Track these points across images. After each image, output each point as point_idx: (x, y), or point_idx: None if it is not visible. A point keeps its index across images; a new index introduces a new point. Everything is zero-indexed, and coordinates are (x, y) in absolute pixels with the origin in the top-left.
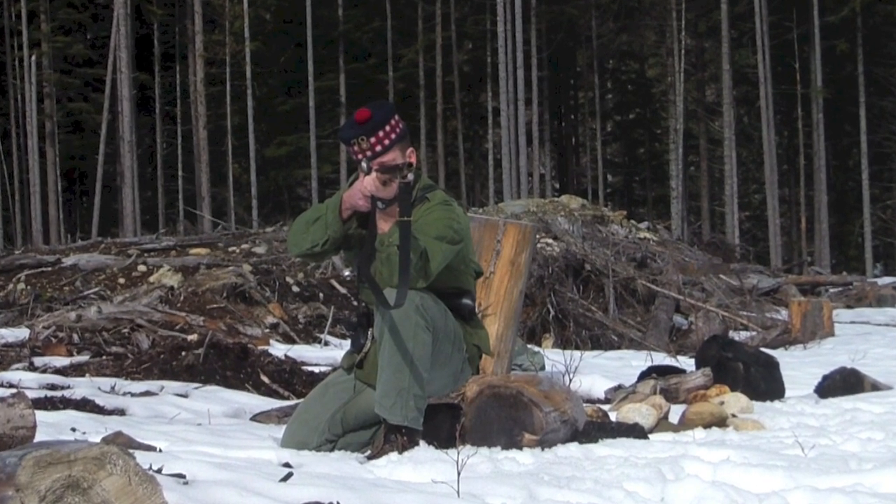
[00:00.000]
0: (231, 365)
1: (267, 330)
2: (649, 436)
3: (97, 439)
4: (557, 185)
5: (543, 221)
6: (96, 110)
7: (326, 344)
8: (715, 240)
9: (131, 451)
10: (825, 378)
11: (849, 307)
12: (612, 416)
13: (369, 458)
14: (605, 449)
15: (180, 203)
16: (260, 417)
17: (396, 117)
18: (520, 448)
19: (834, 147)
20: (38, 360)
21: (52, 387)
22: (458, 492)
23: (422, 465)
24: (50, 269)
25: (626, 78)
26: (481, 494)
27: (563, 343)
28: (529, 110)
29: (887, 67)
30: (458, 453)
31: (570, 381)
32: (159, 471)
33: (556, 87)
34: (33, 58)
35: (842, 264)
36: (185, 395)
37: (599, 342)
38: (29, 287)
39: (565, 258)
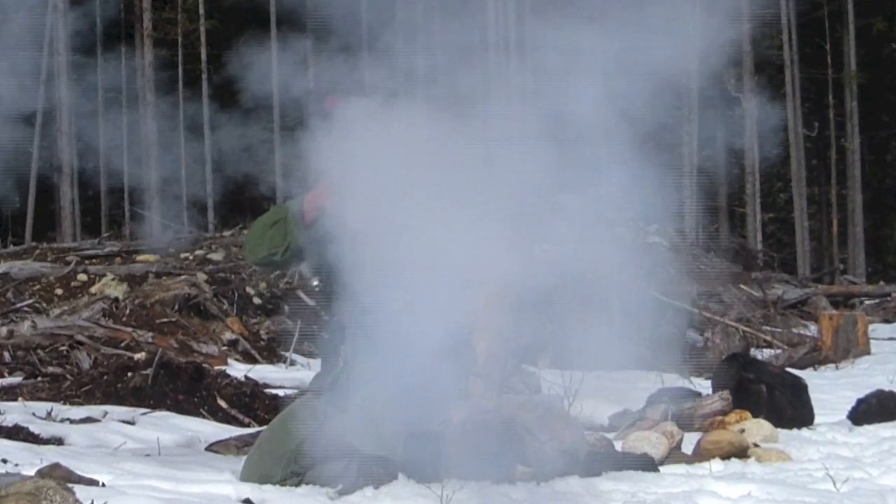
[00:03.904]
0: (184, 387)
1: (224, 347)
2: (659, 468)
3: (31, 472)
4: None
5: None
6: (30, 98)
7: (292, 363)
8: (734, 245)
9: (70, 485)
10: (860, 402)
11: (887, 321)
12: (618, 446)
13: (341, 493)
14: (610, 483)
15: (126, 203)
16: (217, 447)
17: None
18: (512, 482)
19: (870, 140)
20: None
21: None
22: None
23: (401, 500)
24: None
25: (632, 61)
26: None
27: (562, 362)
28: (523, 98)
29: None
30: (443, 488)
31: (570, 405)
32: None
33: (554, 72)
34: None
35: (879, 273)
36: (131, 422)
37: (603, 361)
38: None
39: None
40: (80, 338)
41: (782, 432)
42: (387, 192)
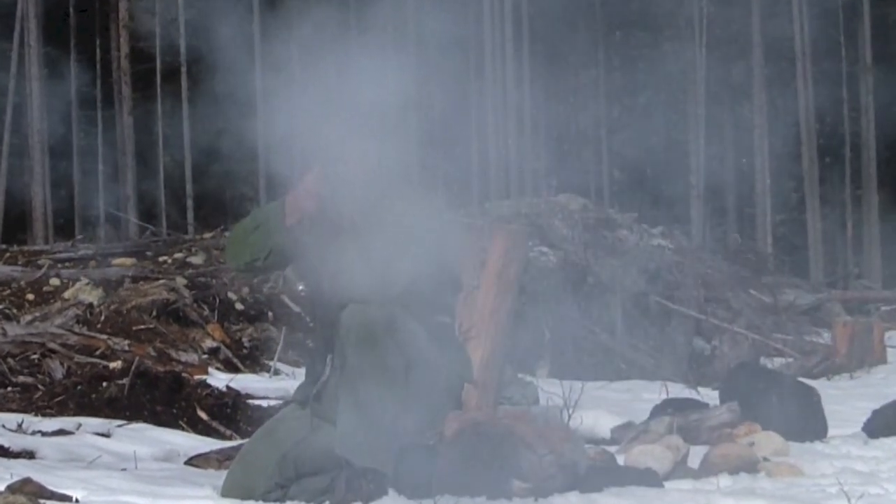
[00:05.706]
0: (162, 398)
1: (205, 356)
2: (664, 483)
3: (1, 488)
4: (554, 182)
5: (537, 226)
6: None
7: (277, 373)
8: (743, 247)
9: (42, 501)
10: (875, 414)
11: None
12: (620, 460)
13: None
14: (612, 499)
15: (101, 204)
16: (197, 461)
17: None
18: (509, 498)
19: (886, 136)
20: None
21: None
22: None
23: None
24: None
25: (636, 53)
26: None
27: (561, 371)
28: (520, 91)
29: None
30: None
31: (570, 417)
32: None
33: (553, 64)
34: None
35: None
36: (106, 435)
37: (604, 370)
38: None
39: (564, 270)
40: (52, 345)
41: (794, 445)
42: (372, 189)
